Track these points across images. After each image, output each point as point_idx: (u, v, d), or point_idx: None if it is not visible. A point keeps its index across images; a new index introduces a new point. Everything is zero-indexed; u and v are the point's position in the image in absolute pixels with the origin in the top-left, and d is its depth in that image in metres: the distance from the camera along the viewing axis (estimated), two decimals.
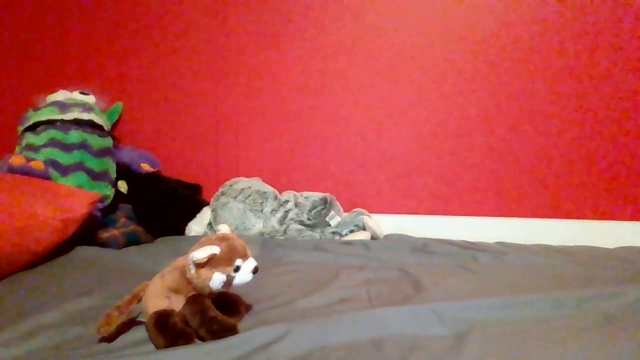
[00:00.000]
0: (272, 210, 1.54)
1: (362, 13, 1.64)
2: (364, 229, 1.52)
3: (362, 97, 1.67)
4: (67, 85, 1.70)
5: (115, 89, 1.77)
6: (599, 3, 1.53)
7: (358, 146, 1.68)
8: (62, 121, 1.51)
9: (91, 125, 1.55)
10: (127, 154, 1.65)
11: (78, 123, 1.52)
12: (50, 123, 1.51)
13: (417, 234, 1.50)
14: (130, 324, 0.74)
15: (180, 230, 1.54)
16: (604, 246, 1.39)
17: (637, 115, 1.54)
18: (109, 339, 0.70)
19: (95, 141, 1.53)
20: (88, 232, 1.29)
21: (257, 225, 1.51)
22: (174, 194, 1.61)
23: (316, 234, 1.50)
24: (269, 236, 1.49)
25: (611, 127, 1.56)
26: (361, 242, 1.39)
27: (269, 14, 1.69)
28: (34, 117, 1.53)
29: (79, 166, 1.46)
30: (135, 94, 1.77)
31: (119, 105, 1.75)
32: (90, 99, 1.65)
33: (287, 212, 1.54)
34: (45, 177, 1.35)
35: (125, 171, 1.63)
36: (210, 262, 0.67)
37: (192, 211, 1.57)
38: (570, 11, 1.54)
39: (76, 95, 1.64)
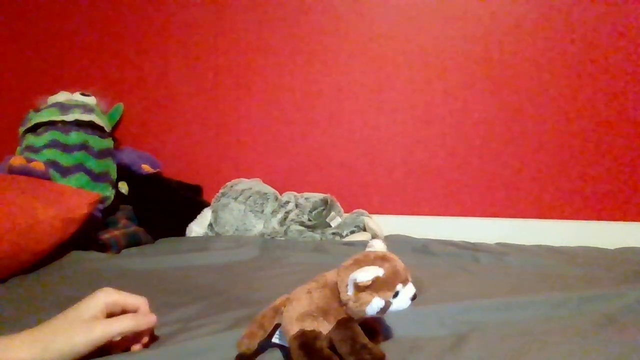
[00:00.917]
0: (273, 211, 1.54)
1: (361, 14, 1.64)
2: (364, 229, 1.52)
3: (362, 97, 1.67)
4: (68, 87, 1.70)
5: (116, 90, 1.77)
6: (600, 5, 1.53)
7: (358, 147, 1.68)
8: (63, 122, 1.51)
9: (92, 127, 1.55)
10: (128, 155, 1.66)
11: (79, 124, 1.53)
12: (51, 124, 1.51)
13: (418, 235, 1.50)
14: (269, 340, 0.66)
15: (181, 231, 1.54)
16: (605, 247, 1.39)
17: (639, 115, 1.54)
18: (249, 357, 0.63)
19: (96, 142, 1.53)
20: (89, 233, 1.29)
21: (257, 226, 1.51)
22: (175, 195, 1.61)
23: (317, 235, 1.50)
24: (269, 237, 1.49)
25: (613, 127, 1.56)
26: (362, 243, 1.39)
27: (270, 16, 1.69)
28: (35, 118, 1.54)
29: (79, 167, 1.46)
30: (136, 95, 1.78)
31: (119, 106, 1.76)
32: (91, 100, 1.65)
33: (287, 213, 1.54)
34: (45, 177, 1.35)
35: (125, 172, 1.63)
36: (372, 286, 0.60)
37: (193, 212, 1.57)
38: (572, 13, 1.54)
39: (77, 97, 1.64)
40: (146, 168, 1.65)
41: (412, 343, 0.70)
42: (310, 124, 1.70)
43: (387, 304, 0.61)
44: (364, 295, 0.60)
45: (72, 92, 1.66)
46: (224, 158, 1.75)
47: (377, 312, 0.61)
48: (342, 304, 0.61)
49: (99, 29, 1.78)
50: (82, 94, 1.65)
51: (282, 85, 1.71)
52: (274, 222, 1.52)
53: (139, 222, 1.53)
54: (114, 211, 1.52)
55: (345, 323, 0.61)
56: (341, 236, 1.50)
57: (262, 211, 1.53)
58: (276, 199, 1.57)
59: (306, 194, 1.60)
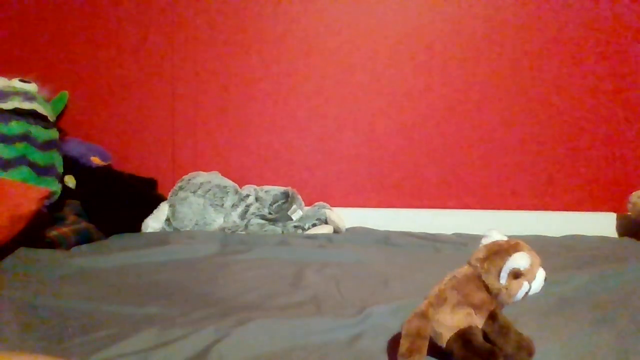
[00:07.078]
0: (233, 205, 1.50)
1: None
2: (326, 222, 1.52)
3: (323, 89, 1.66)
4: (5, 72, 1.56)
5: (60, 77, 1.65)
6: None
7: (319, 139, 1.68)
8: (1, 111, 1.39)
9: (34, 116, 1.44)
10: (75, 147, 1.56)
11: (19, 113, 1.41)
12: None
13: (379, 227, 1.52)
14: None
15: (134, 226, 1.47)
16: (550, 235, 1.48)
17: (611, 113, 1.64)
18: None
19: (40, 133, 1.43)
20: (35, 230, 1.20)
21: (217, 220, 1.47)
22: (128, 189, 1.53)
23: (278, 228, 1.48)
24: (230, 231, 1.46)
25: (575, 123, 1.65)
26: (325, 236, 1.39)
27: (227, 5, 1.64)
28: None
29: (21, 160, 1.36)
30: (83, 83, 1.67)
31: (64, 94, 1.64)
32: (32, 87, 1.53)
33: (248, 206, 1.51)
34: None
35: (73, 165, 1.53)
36: (524, 272, 0.62)
37: (148, 207, 1.51)
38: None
39: (16, 83, 1.51)
40: (96, 160, 1.56)
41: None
42: (269, 116, 1.67)
43: (528, 289, 0.63)
44: (515, 283, 0.62)
45: (10, 78, 1.53)
46: (180, 150, 1.69)
47: (520, 298, 0.63)
48: (491, 294, 0.63)
49: (41, 12, 1.65)
50: (22, 81, 1.52)
51: (242, 76, 1.66)
52: (235, 216, 1.49)
53: (89, 218, 1.44)
54: (61, 207, 1.43)
55: (496, 315, 0.64)
56: (303, 229, 1.50)
57: (222, 205, 1.49)
58: (236, 192, 1.54)
59: (267, 187, 1.58)
